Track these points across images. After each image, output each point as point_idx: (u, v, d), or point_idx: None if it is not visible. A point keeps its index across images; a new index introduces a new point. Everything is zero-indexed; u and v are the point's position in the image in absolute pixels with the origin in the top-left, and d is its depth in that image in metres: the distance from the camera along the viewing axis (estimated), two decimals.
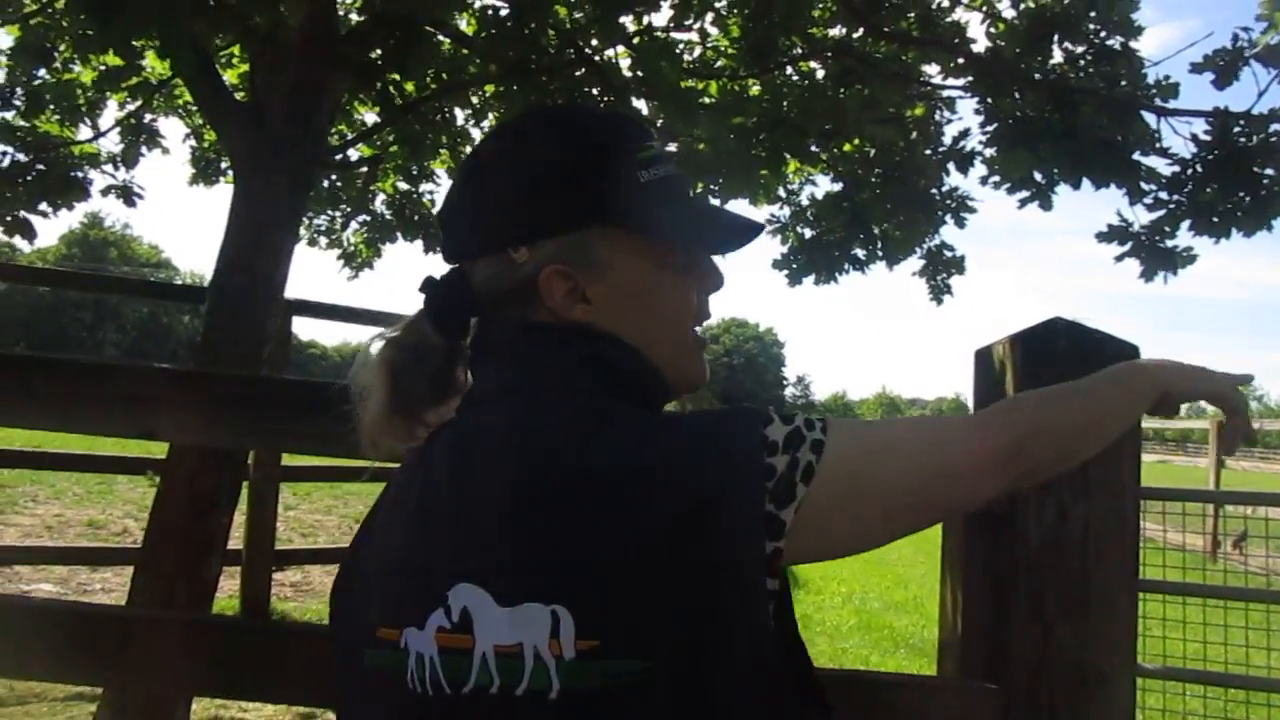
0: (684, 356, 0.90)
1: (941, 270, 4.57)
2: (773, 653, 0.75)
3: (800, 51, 3.87)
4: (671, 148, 3.61)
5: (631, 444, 0.75)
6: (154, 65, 4.35)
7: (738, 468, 0.74)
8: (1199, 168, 3.16)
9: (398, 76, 3.35)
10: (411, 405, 0.90)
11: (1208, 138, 3.10)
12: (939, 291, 4.63)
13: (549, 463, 0.76)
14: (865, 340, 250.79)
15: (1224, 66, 3.03)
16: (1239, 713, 3.71)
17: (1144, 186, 3.29)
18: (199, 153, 5.35)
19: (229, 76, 4.70)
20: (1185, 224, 3.30)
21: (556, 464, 0.75)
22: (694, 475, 0.73)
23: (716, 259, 0.94)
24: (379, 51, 2.93)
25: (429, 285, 0.90)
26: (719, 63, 3.97)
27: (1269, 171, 3.03)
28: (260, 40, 2.76)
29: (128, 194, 4.86)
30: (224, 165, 5.22)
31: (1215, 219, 3.14)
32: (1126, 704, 1.37)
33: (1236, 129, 3.04)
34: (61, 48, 4.09)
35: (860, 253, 4.24)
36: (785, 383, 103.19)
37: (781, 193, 4.88)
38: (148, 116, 4.93)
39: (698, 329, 0.92)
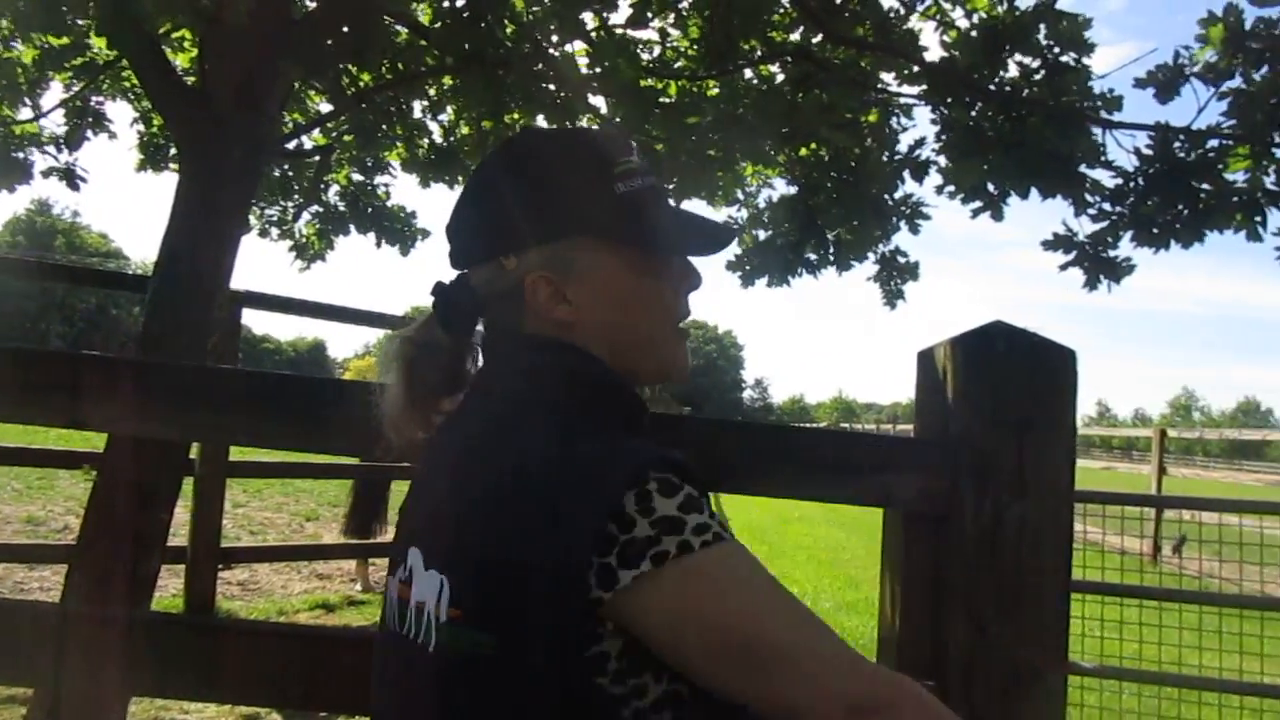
0: (664, 351, 0.99)
1: (895, 276, 4.63)
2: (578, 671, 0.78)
3: (760, 55, 3.89)
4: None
5: (532, 452, 0.84)
6: (99, 46, 4.24)
7: (589, 504, 0.78)
8: (1141, 181, 3.24)
9: (353, 66, 3.30)
10: (426, 396, 1.01)
11: (1149, 152, 3.18)
12: (893, 296, 4.69)
13: (477, 458, 0.88)
14: (824, 345, 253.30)
15: (1165, 82, 3.11)
16: (1172, 711, 3.81)
17: (1088, 198, 3.36)
18: (147, 137, 5.22)
19: (180, 60, 4.60)
20: (1127, 235, 3.38)
21: (481, 459, 0.88)
22: (557, 492, 0.79)
23: (697, 260, 1.02)
24: (332, 39, 2.89)
25: (437, 289, 1.01)
26: (678, 63, 3.98)
27: (1206, 186, 3.12)
28: (208, 22, 2.70)
29: (70, 177, 4.73)
30: (172, 151, 5.11)
31: (1155, 230, 3.23)
32: (1058, 700, 1.39)
33: (1176, 144, 3.12)
34: (2, 24, 3.97)
35: (813, 256, 4.28)
36: (744, 385, 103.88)
37: (740, 195, 4.91)
38: (94, 99, 4.81)
39: (679, 325, 1.01)
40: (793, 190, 4.36)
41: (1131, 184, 3.26)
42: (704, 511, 0.80)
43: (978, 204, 3.64)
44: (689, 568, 0.76)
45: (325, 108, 4.76)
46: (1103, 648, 3.70)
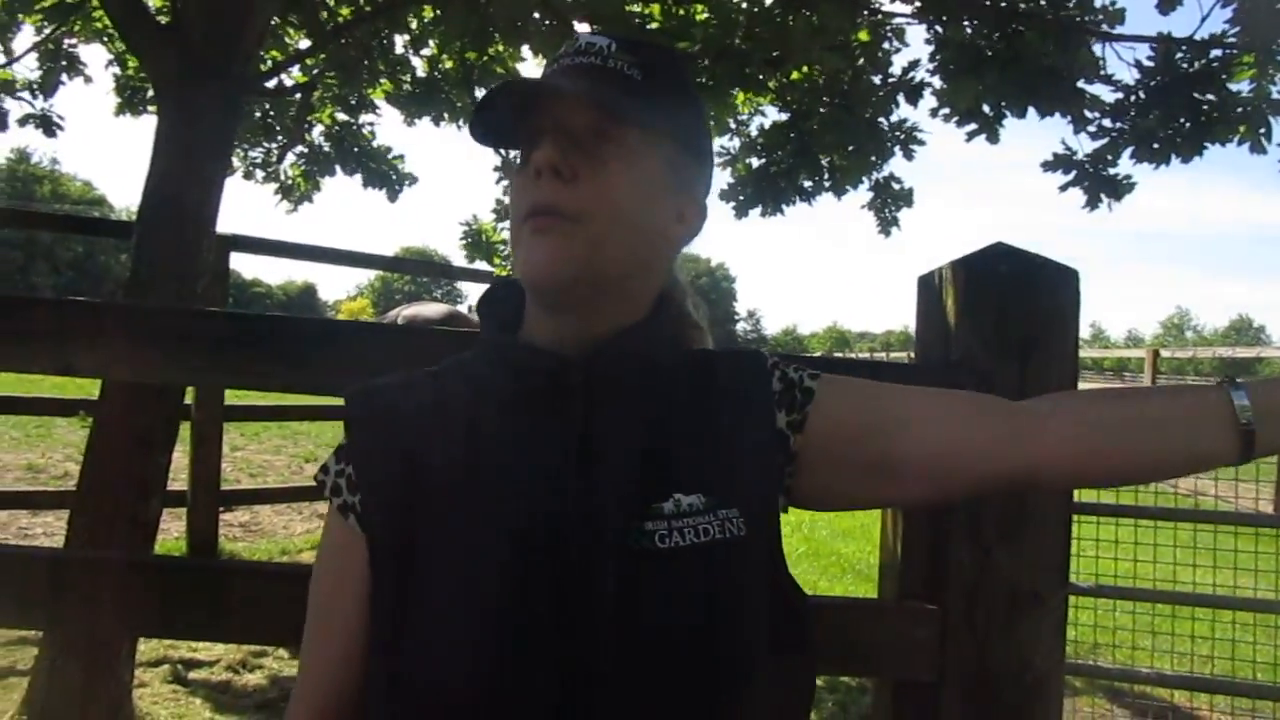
0: (516, 252, 0.86)
1: (890, 202, 4.57)
2: None
3: None
4: None
5: None
6: None
7: None
8: (1141, 94, 3.16)
9: None
10: None
11: (1151, 64, 3.09)
12: (887, 224, 4.64)
13: None
14: (818, 276, 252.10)
15: None
16: (1165, 626, 3.88)
17: (1088, 115, 3.29)
18: (123, 80, 5.08)
19: None
20: (1127, 151, 3.32)
21: None
22: None
23: (540, 136, 0.84)
24: None
25: None
26: None
27: (1209, 97, 3.05)
28: None
29: (47, 123, 4.62)
30: (150, 93, 4.98)
31: (1156, 145, 3.16)
32: (1059, 622, 1.40)
33: (1179, 55, 3.04)
34: None
35: (807, 183, 4.20)
36: (736, 317, 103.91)
37: (732, 124, 4.81)
38: (66, 41, 4.67)
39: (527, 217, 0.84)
40: (785, 117, 4.27)
41: (1132, 98, 3.18)
42: (337, 461, 0.92)
43: (972, 126, 3.57)
44: None
45: (305, 44, 4.62)
46: (1097, 566, 3.75)
